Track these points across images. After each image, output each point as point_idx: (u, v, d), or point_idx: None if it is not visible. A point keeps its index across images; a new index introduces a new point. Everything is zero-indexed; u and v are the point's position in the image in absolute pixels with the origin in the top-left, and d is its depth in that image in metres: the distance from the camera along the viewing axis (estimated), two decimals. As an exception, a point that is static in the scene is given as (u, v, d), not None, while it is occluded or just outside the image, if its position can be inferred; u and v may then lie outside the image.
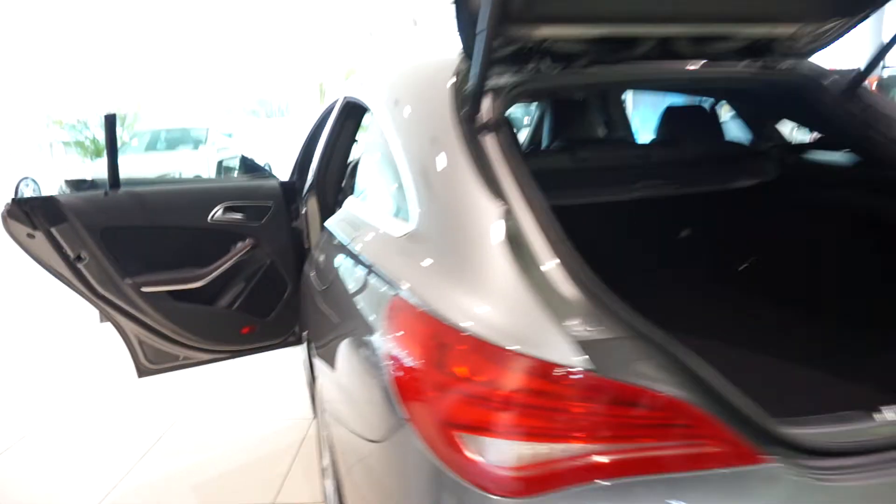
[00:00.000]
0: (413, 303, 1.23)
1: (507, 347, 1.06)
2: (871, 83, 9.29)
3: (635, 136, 3.47)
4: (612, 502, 1.02)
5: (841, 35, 1.95)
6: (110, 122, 2.40)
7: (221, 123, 13.58)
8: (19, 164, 13.59)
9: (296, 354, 3.09)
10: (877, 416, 1.25)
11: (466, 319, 1.12)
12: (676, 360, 1.08)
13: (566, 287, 1.15)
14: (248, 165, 3.74)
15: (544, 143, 3.30)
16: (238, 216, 2.76)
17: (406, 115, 1.72)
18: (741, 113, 2.63)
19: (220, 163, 4.01)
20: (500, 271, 1.16)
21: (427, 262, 1.30)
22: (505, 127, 1.53)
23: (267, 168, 4.17)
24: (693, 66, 1.86)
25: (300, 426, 3.19)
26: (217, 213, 2.66)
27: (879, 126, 1.88)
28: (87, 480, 2.84)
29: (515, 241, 1.20)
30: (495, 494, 1.03)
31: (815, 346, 1.98)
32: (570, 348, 1.04)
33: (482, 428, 1.05)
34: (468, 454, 1.05)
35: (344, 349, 1.56)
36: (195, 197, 2.68)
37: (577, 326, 1.09)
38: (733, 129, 2.72)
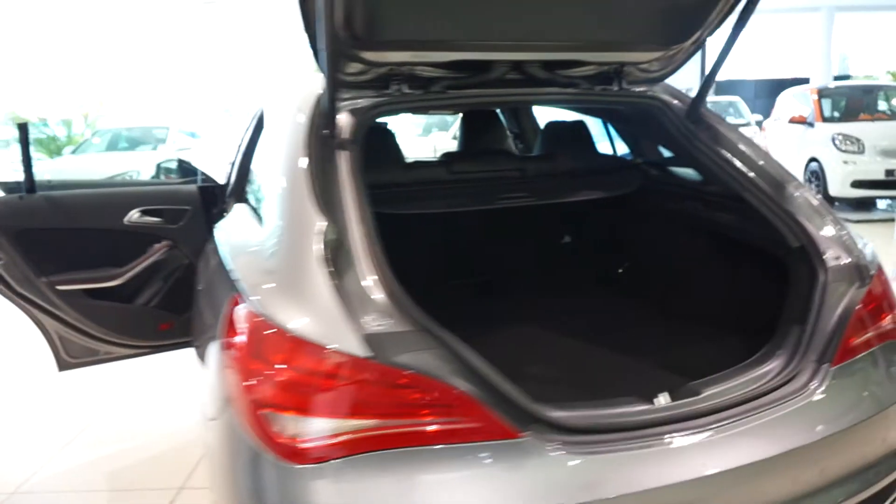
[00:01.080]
0: (245, 302, 1.43)
1: (303, 337, 1.27)
2: (813, 94, 9.69)
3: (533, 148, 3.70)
4: (384, 468, 1.23)
5: (684, 61, 2.19)
6: (23, 130, 2.55)
7: (185, 122, 13.58)
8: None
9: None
10: (654, 401, 1.49)
11: (280, 314, 1.33)
12: (452, 350, 1.29)
13: (369, 289, 1.36)
14: (184, 169, 3.87)
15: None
16: (156, 219, 2.92)
17: (276, 128, 1.91)
18: (618, 130, 2.88)
19: (158, 165, 4.13)
20: (313, 274, 1.36)
21: (262, 265, 1.50)
22: (356, 146, 1.73)
23: (201, 173, 4.31)
24: (550, 90, 2.08)
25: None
26: (133, 216, 2.82)
27: (715, 147, 2.11)
28: (11, 465, 2.99)
29: (333, 249, 1.41)
30: (292, 462, 1.23)
31: (644, 340, 2.22)
32: (356, 340, 1.25)
33: (279, 406, 1.26)
34: (270, 429, 1.26)
35: (202, 340, 1.75)
36: (112, 201, 2.84)
37: (371, 322, 1.30)
38: (620, 144, 2.97)
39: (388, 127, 2.50)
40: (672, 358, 2.05)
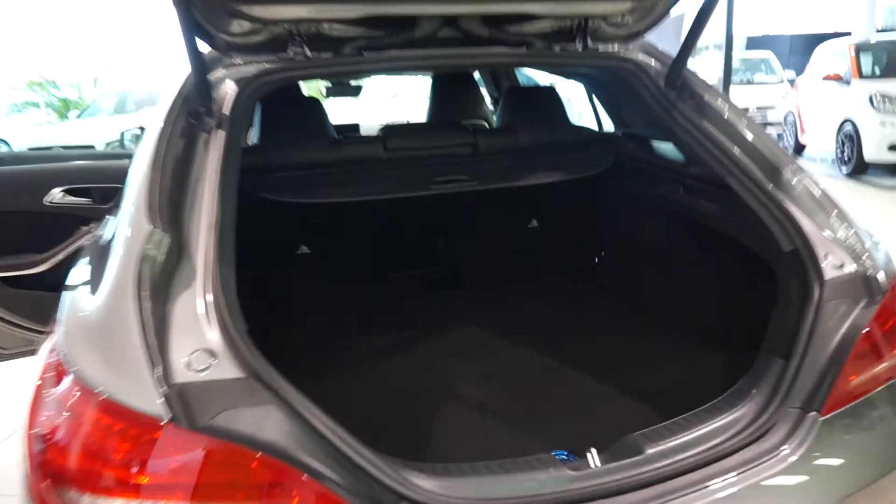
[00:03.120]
0: (55, 333, 1.13)
1: (92, 389, 0.95)
2: (850, 49, 8.95)
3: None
4: None
5: (665, 11, 1.78)
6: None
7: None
8: (-8, 125, 13.43)
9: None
10: (568, 469, 1.15)
11: (77, 353, 1.01)
12: (290, 408, 0.97)
13: (201, 318, 1.04)
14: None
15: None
16: (83, 199, 2.64)
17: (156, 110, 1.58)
18: (597, 98, 2.47)
19: (122, 133, 3.76)
20: (124, 300, 1.04)
21: (84, 286, 1.18)
22: (233, 125, 1.39)
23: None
24: (495, 50, 1.70)
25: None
26: (56, 196, 2.54)
27: (698, 120, 1.72)
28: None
29: (159, 265, 1.08)
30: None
31: (599, 362, 1.90)
32: (154, 394, 0.93)
33: (60, 478, 0.95)
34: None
35: None
36: (29, 179, 2.56)
37: (192, 365, 0.99)
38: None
39: (311, 96, 2.15)
40: (627, 386, 1.72)
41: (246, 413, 0.95)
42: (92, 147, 8.90)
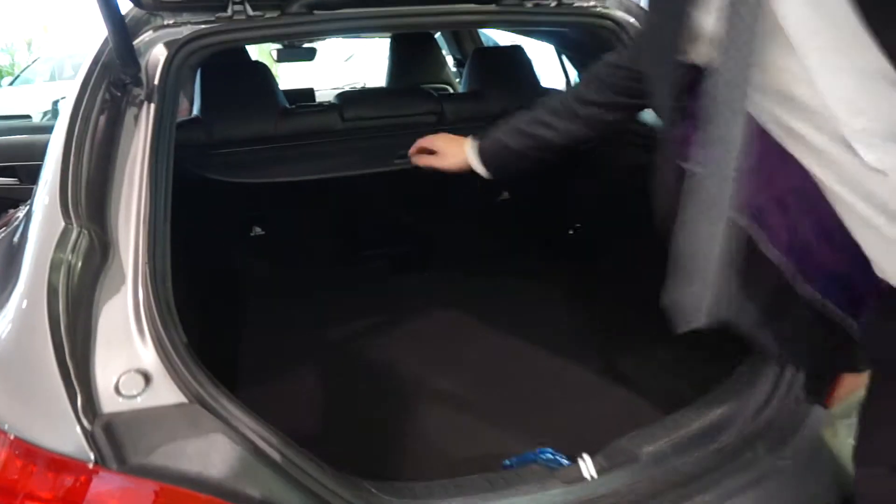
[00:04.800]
0: None
1: (3, 429, 0.79)
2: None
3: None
4: None
5: None
6: None
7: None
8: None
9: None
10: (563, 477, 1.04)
11: None
12: (242, 437, 0.83)
13: (132, 330, 0.88)
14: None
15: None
16: (9, 180, 2.40)
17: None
18: (569, 59, 2.32)
19: (55, 103, 3.37)
20: (34, 312, 0.87)
21: None
22: (163, 96, 1.20)
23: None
24: (460, 7, 1.54)
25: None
26: None
27: None
28: None
29: (76, 268, 0.91)
30: None
31: (583, 348, 1.79)
32: (74, 430, 0.78)
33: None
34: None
35: None
36: None
37: (122, 390, 0.83)
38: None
39: (257, 60, 1.94)
40: (613, 374, 1.63)
41: (189, 446, 0.81)
42: (29, 117, 8.37)
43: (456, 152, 1.37)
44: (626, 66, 1.10)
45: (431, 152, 1.43)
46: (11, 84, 11.36)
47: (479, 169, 1.35)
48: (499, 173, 1.35)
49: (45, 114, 7.98)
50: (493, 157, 1.33)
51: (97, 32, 1.42)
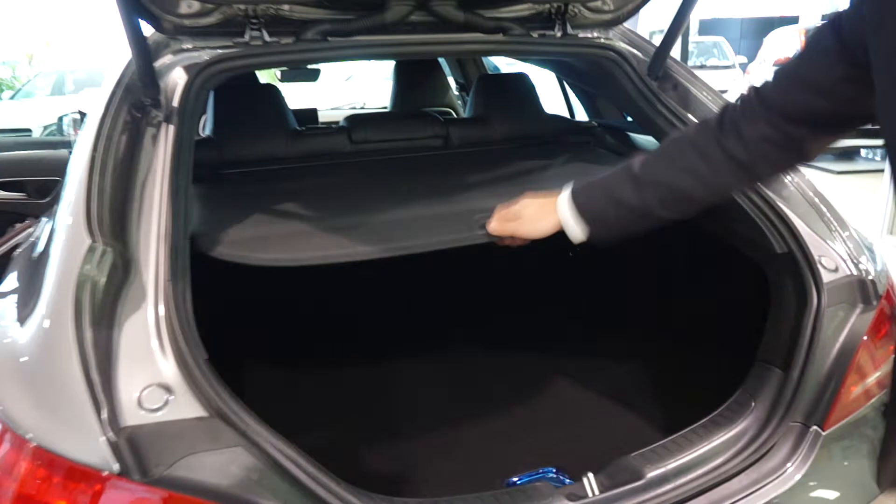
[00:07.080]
0: None
1: (26, 438, 0.81)
2: (801, 34, 9.11)
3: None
4: None
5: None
6: None
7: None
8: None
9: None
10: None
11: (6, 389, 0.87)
12: (261, 451, 0.85)
13: (154, 346, 0.91)
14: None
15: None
16: (17, 195, 2.43)
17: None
18: (572, 88, 2.37)
19: (60, 118, 3.44)
20: (60, 327, 0.90)
21: (14, 308, 1.03)
22: (182, 117, 1.24)
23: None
24: (470, 36, 1.58)
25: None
26: None
27: (682, 112, 1.63)
28: None
29: (101, 284, 0.94)
30: None
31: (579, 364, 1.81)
32: (99, 441, 0.80)
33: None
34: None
35: None
36: None
37: (144, 403, 0.86)
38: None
39: (269, 83, 2.00)
40: (615, 395, 1.65)
41: (209, 459, 0.83)
42: (29, 131, 8.38)
43: (544, 214, 1.15)
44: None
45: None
46: (13, 97, 11.42)
47: (576, 233, 1.13)
48: (603, 236, 1.12)
49: (46, 128, 8.01)
50: (599, 217, 1.10)
51: (118, 52, 1.47)
